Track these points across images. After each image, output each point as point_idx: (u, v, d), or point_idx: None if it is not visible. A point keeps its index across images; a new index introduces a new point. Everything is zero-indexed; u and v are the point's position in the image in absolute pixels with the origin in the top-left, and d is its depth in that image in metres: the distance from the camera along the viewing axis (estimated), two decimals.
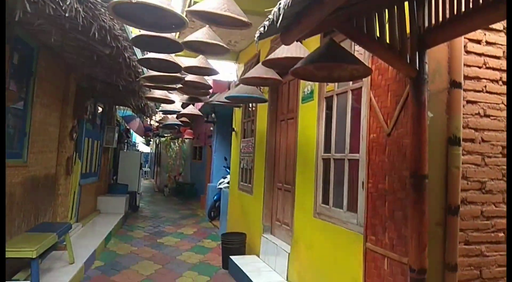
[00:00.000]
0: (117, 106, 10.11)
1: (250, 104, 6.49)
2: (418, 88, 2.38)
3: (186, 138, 13.39)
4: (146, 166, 27.61)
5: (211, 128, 11.05)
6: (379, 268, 2.79)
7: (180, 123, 8.10)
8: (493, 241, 2.56)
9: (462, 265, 2.46)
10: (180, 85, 4.66)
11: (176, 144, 15.97)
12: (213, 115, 8.96)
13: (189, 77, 4.43)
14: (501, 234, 2.58)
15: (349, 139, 3.43)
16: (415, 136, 2.38)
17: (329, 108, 3.84)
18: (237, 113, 7.13)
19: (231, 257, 5.26)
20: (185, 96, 5.74)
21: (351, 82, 3.44)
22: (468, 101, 2.59)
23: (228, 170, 8.72)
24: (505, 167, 2.63)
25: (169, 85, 4.65)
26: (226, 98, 4.27)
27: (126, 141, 13.81)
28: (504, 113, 2.66)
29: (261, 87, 5.01)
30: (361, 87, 3.23)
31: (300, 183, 4.30)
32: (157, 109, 8.67)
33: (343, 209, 3.43)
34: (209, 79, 5.32)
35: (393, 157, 2.72)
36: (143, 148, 24.38)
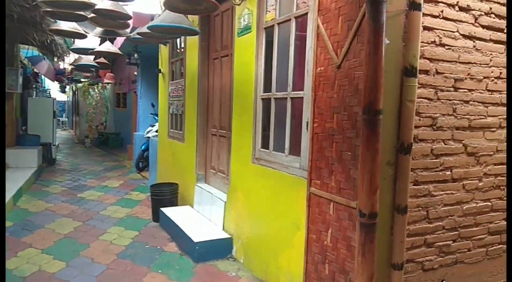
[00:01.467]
0: (20, 46, 8.66)
1: (178, 41, 5.78)
2: (376, 8, 2.03)
3: (106, 82, 12.14)
4: (64, 116, 25.34)
5: (135, 73, 10.04)
6: (324, 214, 2.59)
7: (96, 65, 7.05)
8: (441, 180, 2.44)
9: (411, 206, 2.32)
10: (93, 15, 3.82)
11: (96, 90, 14.50)
12: (135, 55, 8.04)
13: (103, 4, 3.63)
14: (448, 172, 2.47)
15: (293, 76, 3.05)
16: (370, 66, 2.07)
17: (269, 41, 3.40)
18: (164, 52, 6.37)
19: (161, 209, 4.85)
20: (99, 29, 4.85)
21: (295, 9, 3.00)
22: (425, 28, 2.32)
23: (156, 117, 8.05)
24: (456, 101, 2.46)
25: (77, 11, 3.78)
26: (148, 28, 3.57)
27: (35, 86, 12.14)
28: (459, 43, 2.44)
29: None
30: (306, 13, 2.81)
31: (237, 127, 3.91)
32: (68, 48, 7.49)
33: (285, 152, 3.14)
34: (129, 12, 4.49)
35: (343, 92, 2.41)
36: (58, 95, 21.99)
